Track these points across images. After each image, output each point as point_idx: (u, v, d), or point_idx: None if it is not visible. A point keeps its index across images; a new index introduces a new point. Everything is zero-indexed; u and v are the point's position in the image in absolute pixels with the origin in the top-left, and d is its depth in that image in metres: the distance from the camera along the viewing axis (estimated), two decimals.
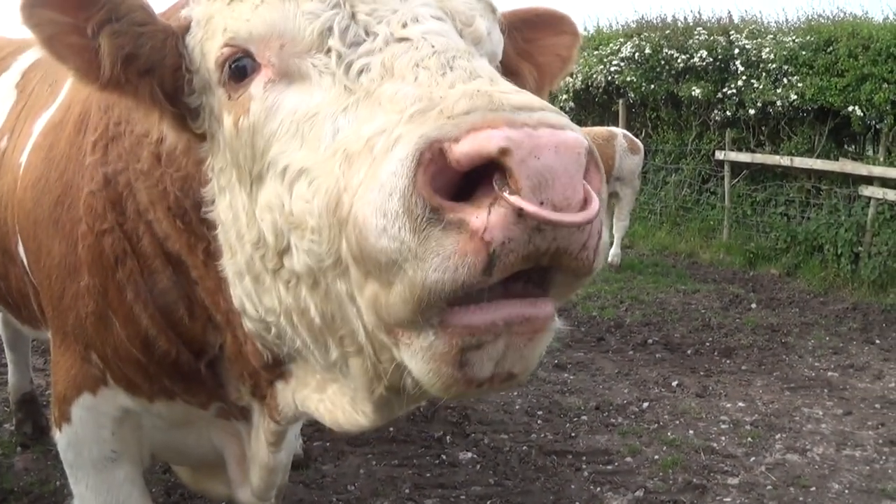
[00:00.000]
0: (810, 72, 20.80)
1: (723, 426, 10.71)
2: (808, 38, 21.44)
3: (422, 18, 2.86)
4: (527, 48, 3.82)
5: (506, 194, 2.18)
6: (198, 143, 3.48)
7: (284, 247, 2.95)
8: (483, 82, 2.53)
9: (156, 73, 3.29)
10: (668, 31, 25.49)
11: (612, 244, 19.49)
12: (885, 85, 19.01)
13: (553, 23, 3.96)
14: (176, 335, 4.12)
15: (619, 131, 19.51)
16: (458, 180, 2.28)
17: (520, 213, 2.18)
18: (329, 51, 2.85)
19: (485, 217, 2.19)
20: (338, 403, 3.45)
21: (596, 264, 2.44)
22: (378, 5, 2.89)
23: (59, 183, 4.35)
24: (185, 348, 4.14)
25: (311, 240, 2.74)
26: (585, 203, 2.31)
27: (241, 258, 3.30)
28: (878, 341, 14.84)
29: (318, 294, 2.90)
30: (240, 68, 3.05)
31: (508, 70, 3.47)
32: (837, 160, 20.10)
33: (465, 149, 2.20)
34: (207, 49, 3.18)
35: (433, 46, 2.72)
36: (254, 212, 3.10)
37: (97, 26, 3.15)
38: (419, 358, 2.50)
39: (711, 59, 23.35)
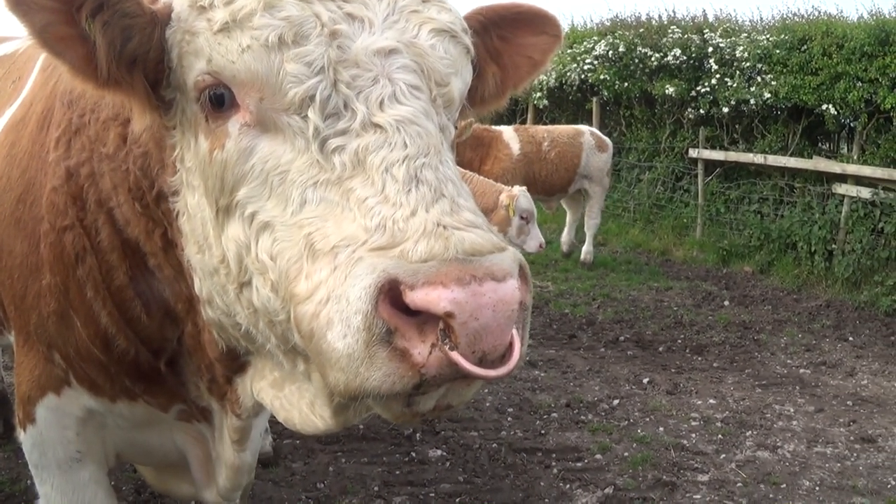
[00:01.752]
0: (784, 70, 20.78)
1: (693, 423, 10.70)
2: (782, 36, 21.42)
3: (399, 94, 2.99)
4: (498, 47, 3.81)
5: (446, 348, 2.54)
6: (165, 129, 3.49)
7: (246, 281, 3.16)
8: (444, 209, 2.78)
9: (140, 64, 3.27)
10: (642, 30, 25.46)
11: (584, 242, 19.58)
12: (859, 83, 19.01)
13: (535, 22, 3.93)
14: (134, 333, 4.11)
15: (587, 129, 19.43)
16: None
17: (452, 364, 2.55)
18: (307, 118, 2.95)
19: (425, 355, 2.57)
20: (294, 404, 3.61)
21: (514, 372, 2.79)
22: (360, 70, 2.98)
23: (21, 181, 4.31)
24: (143, 347, 4.14)
25: (269, 293, 3.03)
26: (510, 348, 2.70)
27: (209, 262, 3.38)
28: (850, 338, 14.84)
29: (275, 331, 3.15)
30: (218, 96, 3.12)
31: (476, 71, 3.54)
32: (811, 158, 20.09)
33: (417, 301, 2.53)
34: (187, 63, 3.21)
35: (405, 146, 2.88)
36: (219, 235, 3.23)
37: (89, 13, 3.13)
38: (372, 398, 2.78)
39: (685, 58, 23.33)
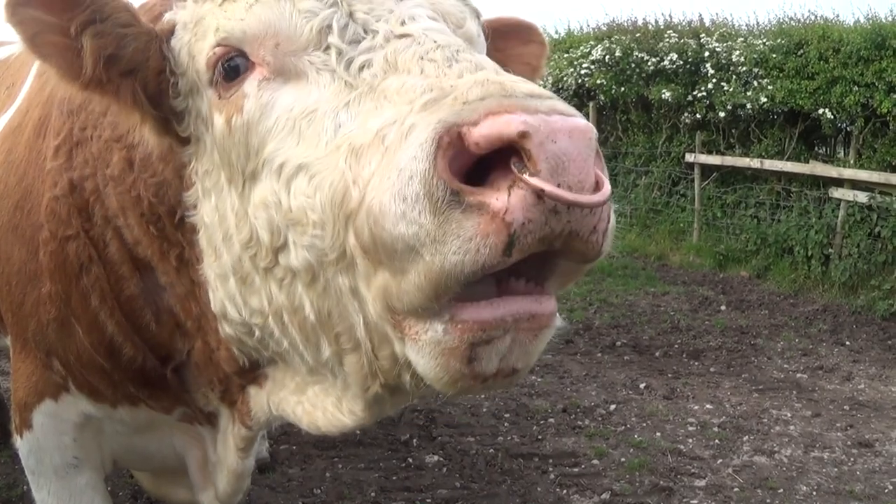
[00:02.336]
0: (781, 74, 20.75)
1: (690, 428, 10.69)
2: (778, 40, 21.38)
3: (419, 18, 2.90)
4: (498, 58, 3.65)
5: (526, 176, 2.24)
6: (180, 147, 3.46)
7: (281, 244, 2.95)
8: (489, 73, 2.58)
9: (138, 74, 3.28)
10: (638, 34, 25.40)
11: None
12: (856, 88, 18.97)
13: (521, 33, 4.05)
14: (143, 341, 4.08)
15: None
16: (472, 164, 2.33)
17: (539, 195, 2.25)
18: (328, 48, 2.88)
19: (505, 199, 2.25)
20: (318, 405, 3.46)
21: (604, 248, 2.52)
22: (374, 5, 2.93)
23: (18, 188, 4.31)
24: (151, 354, 4.12)
25: (313, 235, 2.76)
26: (597, 186, 2.39)
27: (228, 260, 3.30)
28: (847, 343, 14.82)
29: (315, 290, 2.91)
30: (233, 67, 3.07)
31: None
32: (808, 162, 20.09)
33: (484, 131, 2.25)
34: (197, 50, 3.20)
35: (436, 41, 2.76)
36: (245, 211, 3.10)
37: (80, 26, 3.16)
38: (427, 353, 2.54)
39: (682, 62, 23.29)
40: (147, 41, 3.27)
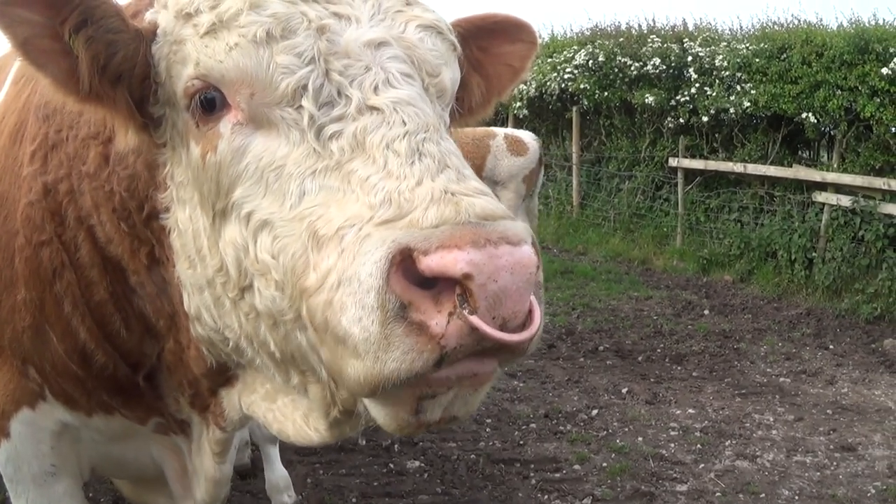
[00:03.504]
0: (764, 79, 20.80)
1: (672, 433, 10.68)
2: (761, 45, 21.44)
3: (393, 80, 2.97)
4: (479, 57, 3.84)
5: (465, 312, 2.45)
6: (155, 148, 3.45)
7: (247, 285, 3.08)
8: (450, 177, 2.73)
9: (125, 81, 3.25)
10: (621, 39, 25.50)
11: None
12: (839, 92, 19.02)
13: (510, 30, 4.00)
14: (113, 348, 4.07)
15: (502, 131, 18.43)
16: (423, 277, 2.48)
17: (473, 329, 2.45)
18: (300, 108, 2.93)
19: (444, 325, 2.46)
20: (288, 416, 3.56)
21: (531, 349, 2.72)
22: (351, 60, 2.98)
23: None
24: (122, 361, 4.10)
25: (274, 293, 2.93)
26: (530, 315, 2.61)
27: (202, 276, 3.34)
28: (831, 346, 14.82)
29: (277, 334, 3.06)
30: (209, 100, 3.12)
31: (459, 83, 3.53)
32: (791, 167, 20.13)
33: (432, 265, 2.44)
34: (175, 73, 3.20)
35: (404, 123, 2.85)
36: (216, 241, 3.19)
37: (73, 28, 3.12)
38: (379, 405, 2.79)
39: (665, 67, 23.35)
40: (135, 47, 3.24)
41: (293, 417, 3.53)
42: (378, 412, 2.81)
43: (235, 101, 3.02)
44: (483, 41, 3.83)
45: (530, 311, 2.61)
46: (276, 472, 8.36)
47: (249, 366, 3.57)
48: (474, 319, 2.43)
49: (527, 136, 18.45)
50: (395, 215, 2.59)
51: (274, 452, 8.40)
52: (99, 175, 3.79)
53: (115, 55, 3.20)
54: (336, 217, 2.70)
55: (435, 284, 2.48)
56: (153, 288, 3.79)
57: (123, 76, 3.24)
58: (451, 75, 3.28)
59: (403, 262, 2.46)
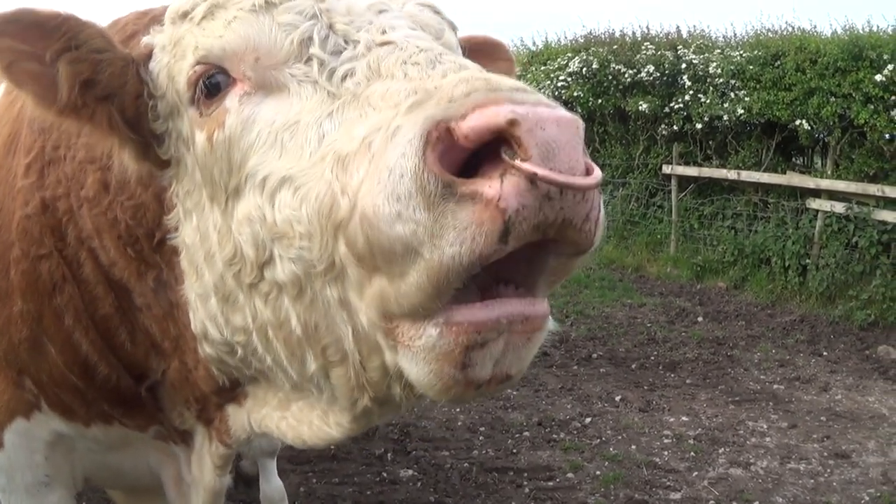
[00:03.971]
0: (758, 86, 20.81)
1: (666, 441, 10.69)
2: (755, 52, 21.45)
3: (399, 27, 2.89)
4: None
5: (518, 162, 2.20)
6: (160, 171, 3.42)
7: (266, 258, 2.90)
8: (474, 71, 2.56)
9: (115, 99, 3.25)
10: (615, 46, 25.47)
11: None
12: (833, 98, 19.03)
13: (489, 50, 4.07)
14: (117, 360, 4.04)
15: None
16: (462, 161, 2.29)
17: (532, 180, 2.21)
18: (309, 60, 2.85)
19: (498, 186, 2.20)
20: (304, 419, 3.41)
21: (596, 238, 2.47)
22: (354, 17, 2.91)
23: None
24: (126, 373, 4.07)
25: (300, 247, 2.71)
26: (588, 172, 2.35)
27: (210, 279, 3.24)
28: (825, 353, 14.84)
29: (301, 304, 2.86)
30: (213, 84, 3.04)
31: None
32: (785, 174, 20.14)
33: (473, 123, 2.22)
34: (176, 70, 3.17)
35: (418, 46, 2.74)
36: (229, 227, 3.05)
37: (55, 54, 3.13)
38: (421, 359, 2.48)
39: (659, 74, 23.36)
40: (123, 66, 3.24)
41: (309, 419, 3.37)
42: (420, 372, 2.48)
43: (240, 71, 2.96)
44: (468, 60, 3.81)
45: (587, 170, 2.36)
46: (272, 484, 8.37)
47: (261, 376, 3.47)
48: (530, 165, 2.19)
49: None
50: (422, 98, 2.42)
51: (271, 465, 8.41)
52: (99, 202, 3.76)
53: (103, 73, 3.20)
54: (359, 132, 2.53)
55: (478, 168, 2.28)
56: (160, 310, 3.74)
57: (113, 94, 3.24)
58: (455, 40, 3.22)
59: (441, 141, 2.25)
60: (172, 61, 3.19)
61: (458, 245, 2.23)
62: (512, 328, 2.43)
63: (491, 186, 2.21)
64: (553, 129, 2.26)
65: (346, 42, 2.85)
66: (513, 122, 2.20)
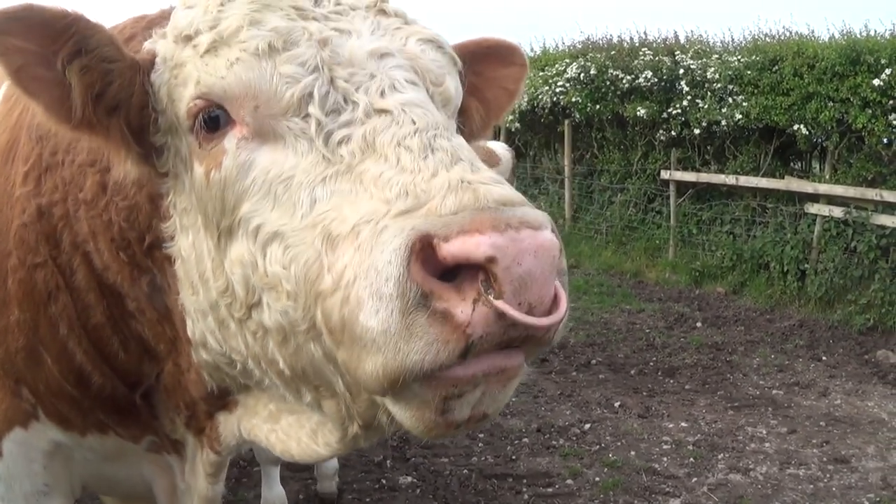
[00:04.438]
0: (755, 91, 20.82)
1: (665, 447, 10.68)
2: (753, 57, 21.46)
3: (399, 86, 2.95)
4: (475, 82, 3.82)
5: (491, 298, 2.36)
6: (157, 179, 3.43)
7: (255, 301, 3.01)
8: (465, 169, 2.66)
9: (121, 111, 3.25)
10: (613, 52, 25.50)
11: None
12: (831, 103, 19.03)
13: (503, 54, 4.04)
14: (111, 369, 4.05)
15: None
16: (443, 267, 2.41)
17: (500, 315, 2.37)
18: (307, 116, 2.89)
19: (469, 313, 2.38)
20: (292, 435, 3.51)
21: (556, 339, 2.68)
22: (355, 69, 2.96)
23: None
24: (119, 381, 4.08)
25: (286, 304, 2.84)
26: (555, 300, 2.54)
27: (205, 300, 3.31)
28: (824, 358, 14.82)
29: (287, 350, 2.99)
30: (213, 119, 3.08)
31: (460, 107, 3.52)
32: (783, 178, 20.13)
33: (454, 251, 2.36)
34: (177, 96, 3.19)
35: (414, 122, 2.81)
36: (221, 262, 3.13)
37: (66, 58, 3.11)
38: (403, 404, 2.66)
39: (657, 80, 23.34)
40: (131, 76, 3.23)
41: (298, 436, 3.50)
42: (403, 415, 2.69)
43: (240, 115, 2.99)
44: (478, 66, 3.82)
45: (555, 297, 2.54)
46: (274, 492, 8.44)
47: (257, 387, 3.53)
48: (501, 304, 2.36)
49: (499, 147, 18.47)
50: (412, 205, 2.54)
51: (274, 472, 8.49)
52: (97, 203, 3.77)
53: (111, 84, 3.19)
54: (350, 216, 2.64)
55: (455, 277, 2.43)
56: (154, 314, 3.76)
57: (121, 105, 3.24)
58: (454, 85, 3.27)
59: (423, 252, 2.39)
60: (174, 82, 3.19)
61: (421, 354, 2.42)
62: (488, 380, 2.58)
63: (462, 311, 2.39)
64: (529, 261, 2.41)
65: (345, 101, 2.90)
66: (491, 259, 2.35)
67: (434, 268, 2.41)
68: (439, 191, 2.54)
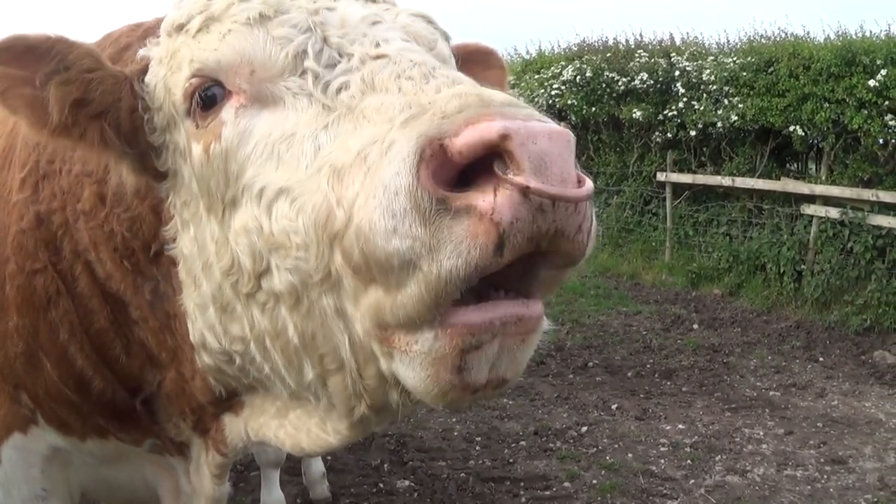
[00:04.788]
0: (751, 92, 20.84)
1: (662, 449, 10.68)
2: (748, 58, 21.48)
3: (392, 40, 2.94)
4: None
5: (510, 175, 2.25)
6: (157, 183, 3.45)
7: (264, 268, 2.93)
8: (467, 86, 2.61)
9: (109, 115, 3.27)
10: (608, 54, 25.49)
11: None
12: (826, 104, 19.06)
13: (482, 58, 4.12)
14: (112, 374, 4.04)
15: None
16: (456, 175, 2.33)
17: (524, 193, 2.25)
18: (304, 73, 2.89)
19: (491, 199, 2.25)
20: (302, 427, 3.43)
21: (588, 247, 2.52)
22: (348, 29, 2.96)
23: None
24: (121, 387, 4.07)
25: (296, 258, 2.74)
26: (579, 183, 2.40)
27: (208, 289, 3.27)
28: (821, 359, 14.86)
29: (298, 313, 2.89)
30: (209, 97, 3.07)
31: None
32: (779, 180, 20.14)
33: (466, 139, 2.26)
34: (173, 83, 3.20)
35: (412, 60, 2.78)
36: (226, 238, 3.08)
37: (45, 77, 3.16)
38: (417, 364, 2.51)
39: (652, 82, 23.35)
40: (114, 83, 3.27)
41: (307, 427, 3.40)
42: (416, 377, 2.53)
43: (236, 84, 2.99)
44: (463, 70, 3.79)
45: (579, 181, 2.41)
46: (273, 496, 8.44)
47: (259, 385, 3.49)
48: (523, 179, 2.24)
49: None
50: (416, 113, 2.47)
51: (274, 476, 8.49)
52: (96, 215, 3.77)
53: (94, 91, 3.23)
54: (355, 145, 2.57)
55: (470, 184, 2.33)
56: (156, 322, 3.75)
57: (108, 110, 3.26)
58: (447, 50, 3.27)
59: (434, 157, 2.30)
60: (169, 74, 3.21)
61: (455, 258, 2.28)
62: (506, 330, 2.46)
63: (485, 200, 2.25)
64: (544, 142, 2.30)
65: (340, 55, 2.88)
66: (505, 137, 2.24)
67: (448, 174, 2.32)
68: (443, 99, 2.49)
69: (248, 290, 3.04)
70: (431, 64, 2.80)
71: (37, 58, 3.15)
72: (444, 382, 2.49)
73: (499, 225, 2.25)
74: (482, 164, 2.30)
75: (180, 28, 3.20)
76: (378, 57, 2.82)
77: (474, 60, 3.96)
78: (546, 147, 2.31)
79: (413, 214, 2.30)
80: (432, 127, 2.34)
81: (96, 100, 3.23)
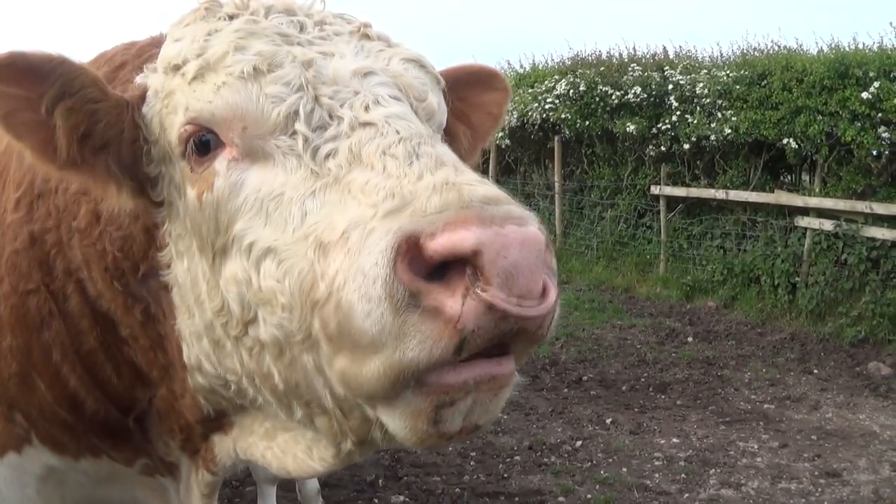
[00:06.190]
0: (744, 105, 20.82)
1: (656, 463, 10.68)
2: (742, 72, 21.48)
3: (382, 101, 3.02)
4: (461, 107, 3.90)
5: (478, 290, 2.39)
6: (153, 209, 3.47)
7: (251, 318, 3.05)
8: (449, 172, 2.70)
9: (111, 147, 3.30)
10: (602, 68, 25.49)
11: None
12: (820, 117, 19.04)
13: (486, 80, 4.14)
14: (104, 394, 4.06)
15: None
16: (431, 267, 2.44)
17: (490, 307, 2.39)
18: (294, 134, 2.95)
19: (458, 307, 2.40)
20: (289, 451, 3.54)
21: (549, 334, 2.69)
22: (339, 87, 3.03)
23: None
24: (113, 406, 4.09)
25: (281, 316, 2.88)
26: (544, 292, 2.54)
27: (200, 322, 3.36)
28: (815, 371, 14.84)
29: (282, 363, 3.01)
30: (203, 143, 3.14)
31: (446, 132, 3.60)
32: (773, 192, 20.13)
33: (439, 246, 2.39)
34: (168, 123, 3.25)
35: (398, 132, 2.87)
36: (217, 282, 3.18)
37: (51, 102, 3.18)
38: (397, 415, 2.69)
39: (646, 95, 23.33)
40: (118, 114, 3.30)
41: (294, 452, 3.51)
42: (397, 426, 2.72)
43: (229, 137, 3.05)
44: (462, 91, 3.88)
45: (545, 290, 2.55)
46: None
47: (251, 406, 3.54)
48: (489, 295, 2.38)
49: None
50: (398, 206, 2.57)
51: (271, 491, 8.50)
52: (90, 233, 3.79)
53: (98, 124, 3.25)
54: (340, 223, 2.68)
55: (443, 276, 2.45)
56: (147, 342, 3.78)
57: (109, 143, 3.29)
58: (437, 100, 3.33)
59: (410, 252, 2.43)
60: (164, 111, 3.25)
61: (417, 351, 2.46)
62: (479, 387, 2.62)
63: (452, 306, 2.41)
64: (515, 253, 2.44)
65: (330, 117, 2.96)
66: (476, 252, 2.38)
67: (422, 267, 2.44)
68: (424, 191, 2.58)
69: (237, 334, 3.15)
70: (416, 138, 2.86)
71: (38, 78, 3.16)
72: (422, 432, 2.68)
73: (461, 331, 2.41)
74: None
75: (176, 69, 3.23)
76: (366, 124, 2.90)
77: (476, 81, 4.06)
78: (516, 259, 2.43)
79: (386, 303, 2.45)
80: (412, 223, 2.47)
81: (100, 132, 3.26)
